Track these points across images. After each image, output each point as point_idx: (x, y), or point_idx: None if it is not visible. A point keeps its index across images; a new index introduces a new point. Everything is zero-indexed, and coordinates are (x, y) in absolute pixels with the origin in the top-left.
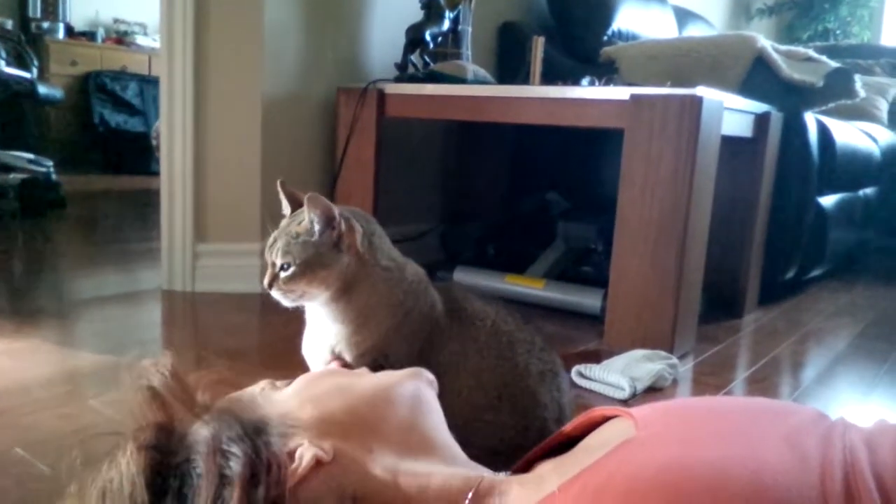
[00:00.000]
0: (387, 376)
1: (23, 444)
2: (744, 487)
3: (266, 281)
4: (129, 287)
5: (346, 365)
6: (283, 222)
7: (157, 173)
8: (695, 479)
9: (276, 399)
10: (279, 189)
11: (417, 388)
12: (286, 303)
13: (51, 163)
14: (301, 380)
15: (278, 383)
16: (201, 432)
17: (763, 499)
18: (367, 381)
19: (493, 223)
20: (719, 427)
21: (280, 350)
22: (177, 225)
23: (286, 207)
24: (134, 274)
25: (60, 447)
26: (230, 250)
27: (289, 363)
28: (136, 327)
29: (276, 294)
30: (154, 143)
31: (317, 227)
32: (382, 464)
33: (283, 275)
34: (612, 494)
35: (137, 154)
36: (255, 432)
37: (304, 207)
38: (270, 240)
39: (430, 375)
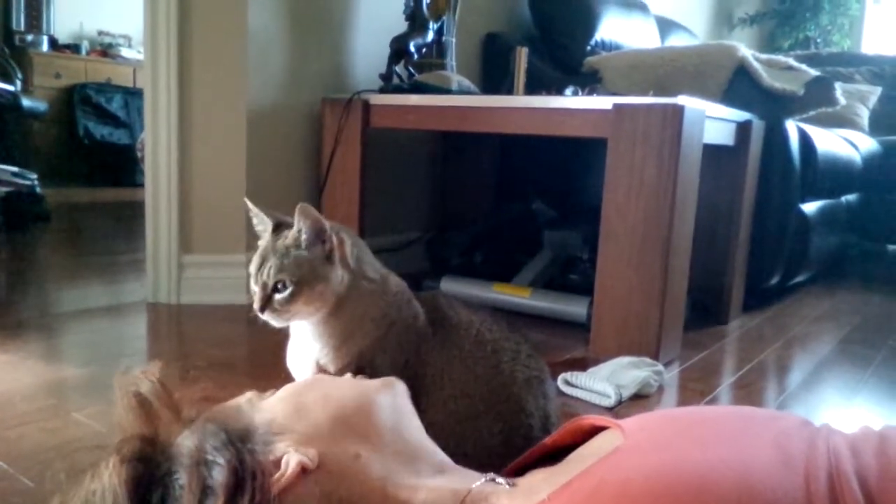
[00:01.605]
0: (367, 384)
1: (6, 458)
2: (731, 489)
3: (258, 305)
4: (115, 299)
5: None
6: (265, 242)
7: (142, 185)
8: (683, 483)
9: (261, 407)
10: (250, 207)
11: (394, 396)
12: (277, 324)
13: (35, 176)
14: (287, 388)
15: (265, 395)
16: (185, 443)
17: (750, 500)
18: (351, 387)
19: (480, 232)
20: (706, 433)
21: (267, 361)
22: (162, 237)
23: (259, 225)
24: (119, 286)
25: (44, 461)
26: (216, 261)
27: (275, 374)
28: (122, 340)
29: (268, 317)
30: (139, 154)
31: (304, 238)
32: (370, 470)
33: (278, 296)
34: (602, 500)
35: (122, 166)
36: (239, 440)
37: (295, 217)
38: (256, 261)
39: (402, 386)
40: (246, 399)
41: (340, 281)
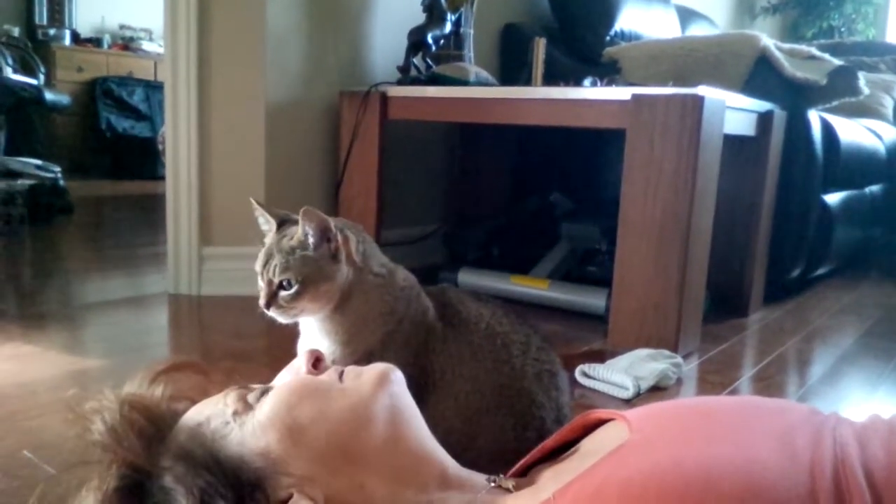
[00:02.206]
0: (358, 391)
1: (30, 446)
2: (735, 486)
3: (263, 301)
4: (136, 291)
5: (317, 363)
6: (270, 239)
7: (163, 178)
8: (687, 481)
9: (252, 430)
10: (254, 206)
11: (391, 396)
12: (283, 320)
13: (58, 168)
14: (277, 397)
15: (250, 396)
16: (175, 487)
17: (754, 496)
18: (343, 400)
19: (498, 224)
20: (711, 428)
21: (286, 352)
22: (182, 229)
23: (265, 224)
24: (140, 278)
25: (66, 450)
26: (235, 254)
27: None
28: (143, 331)
29: (273, 313)
30: (160, 147)
31: (311, 241)
32: (376, 498)
33: (283, 293)
34: (606, 499)
35: (144, 159)
36: (237, 483)
37: (299, 221)
38: (262, 258)
39: (398, 374)
40: (229, 402)
41: (345, 278)
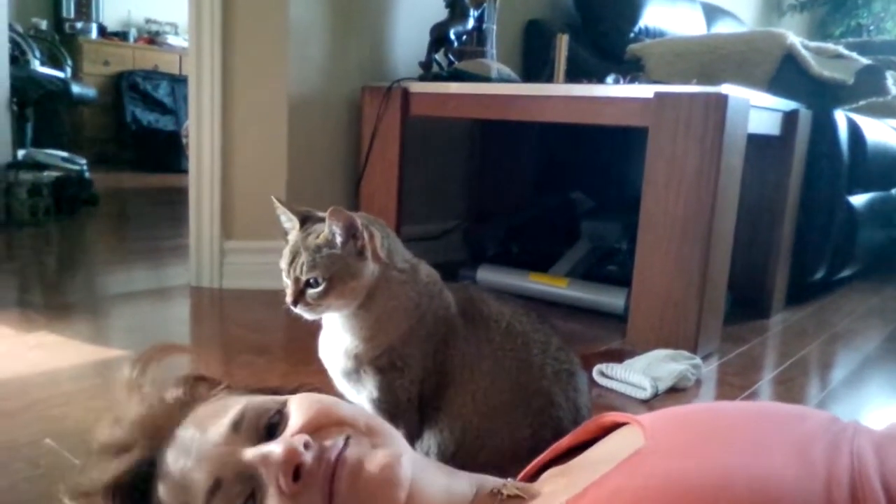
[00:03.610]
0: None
1: (52, 434)
2: (748, 497)
3: (290, 298)
4: (159, 283)
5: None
6: (295, 236)
7: (187, 171)
8: (700, 491)
9: None
10: (276, 205)
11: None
12: (309, 317)
13: (84, 161)
14: None
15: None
16: None
17: None
18: None
19: (517, 221)
20: (726, 436)
21: (304, 347)
22: (205, 222)
23: (287, 222)
24: (163, 270)
25: (88, 439)
26: (257, 247)
27: (313, 359)
28: (166, 323)
29: (300, 310)
30: (184, 141)
31: (338, 239)
32: None
33: (311, 291)
34: None
35: (168, 152)
36: None
37: (326, 220)
38: (287, 256)
39: (404, 463)
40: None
41: (371, 274)
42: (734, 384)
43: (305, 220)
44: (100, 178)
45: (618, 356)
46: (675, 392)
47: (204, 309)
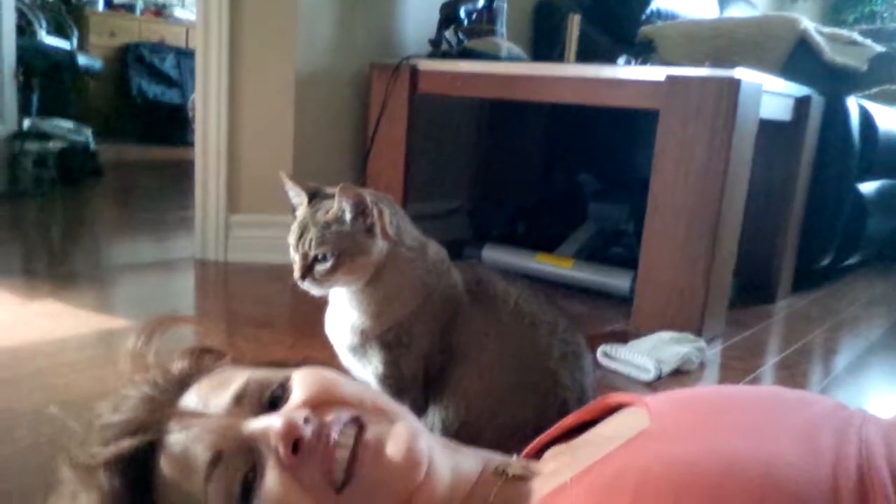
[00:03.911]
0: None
1: (58, 403)
2: (754, 481)
3: (298, 273)
4: (163, 255)
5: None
6: (303, 212)
7: (192, 144)
8: (705, 474)
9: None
10: (284, 180)
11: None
12: (316, 292)
13: (89, 132)
14: None
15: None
16: None
17: (774, 493)
18: None
19: (524, 202)
20: (732, 419)
21: (310, 320)
22: (210, 196)
23: (296, 197)
24: (168, 243)
25: (94, 408)
26: (262, 221)
27: (317, 333)
28: (170, 295)
29: (308, 285)
30: (190, 114)
31: (348, 216)
32: None
33: (319, 267)
34: (623, 488)
35: (173, 125)
36: None
37: (336, 197)
38: (296, 231)
39: (421, 445)
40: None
41: (380, 252)
42: (738, 368)
43: (314, 196)
44: (105, 150)
45: (622, 338)
46: (679, 375)
47: (208, 282)
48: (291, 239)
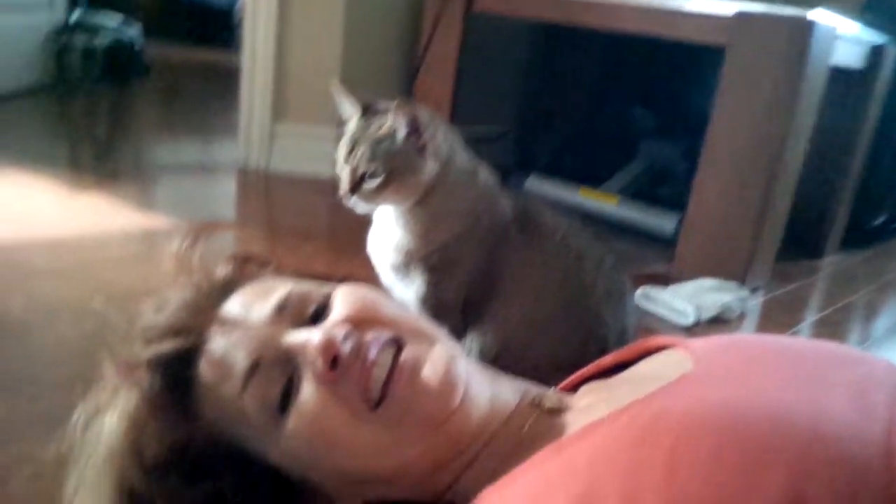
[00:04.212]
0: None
1: (101, 296)
2: (800, 436)
3: (346, 188)
4: (206, 159)
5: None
6: (355, 125)
7: (238, 48)
8: (750, 423)
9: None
10: (338, 90)
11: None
12: (362, 209)
13: (137, 29)
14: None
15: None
16: None
17: (820, 450)
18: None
19: (573, 132)
20: (781, 371)
21: (350, 236)
22: (256, 102)
23: (349, 108)
24: (211, 146)
25: (136, 304)
26: (306, 132)
27: (358, 250)
28: (212, 199)
29: (355, 201)
30: (237, 19)
31: (401, 134)
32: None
33: (368, 183)
34: (663, 429)
35: (219, 28)
36: None
37: (391, 113)
38: (346, 145)
39: (459, 365)
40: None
41: (430, 172)
42: (778, 321)
43: (367, 110)
44: (151, 49)
45: (662, 281)
46: (718, 323)
47: (250, 189)
48: (341, 152)
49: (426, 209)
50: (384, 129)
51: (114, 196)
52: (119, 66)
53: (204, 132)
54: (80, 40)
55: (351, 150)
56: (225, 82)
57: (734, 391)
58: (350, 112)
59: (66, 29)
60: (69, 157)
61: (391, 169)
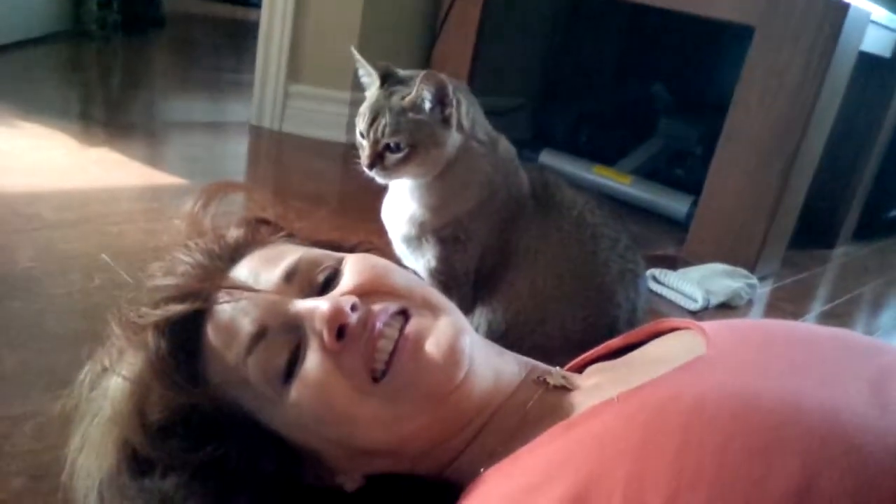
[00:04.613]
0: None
1: (109, 251)
2: (816, 427)
3: (367, 161)
4: (218, 117)
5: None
6: (376, 94)
7: (255, 5)
8: (765, 411)
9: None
10: (356, 57)
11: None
12: (382, 181)
13: None
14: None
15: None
16: None
17: (836, 442)
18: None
19: (591, 108)
20: (798, 358)
21: (360, 202)
22: (272, 61)
23: (366, 76)
24: (224, 104)
25: (143, 260)
26: (321, 95)
27: (365, 217)
28: (223, 157)
29: (375, 173)
30: None
31: (428, 105)
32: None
33: (391, 156)
34: (675, 412)
35: None
36: None
37: (417, 83)
38: (367, 115)
39: (465, 339)
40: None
41: (454, 144)
42: (785, 310)
43: (386, 78)
44: (168, 1)
45: (671, 263)
46: (726, 309)
47: (262, 149)
48: (361, 123)
49: (443, 182)
50: (408, 100)
51: (124, 151)
52: (136, 16)
53: (216, 88)
54: None
55: (373, 122)
56: (241, 39)
57: (749, 377)
58: (368, 80)
59: None
60: (81, 108)
61: (415, 142)
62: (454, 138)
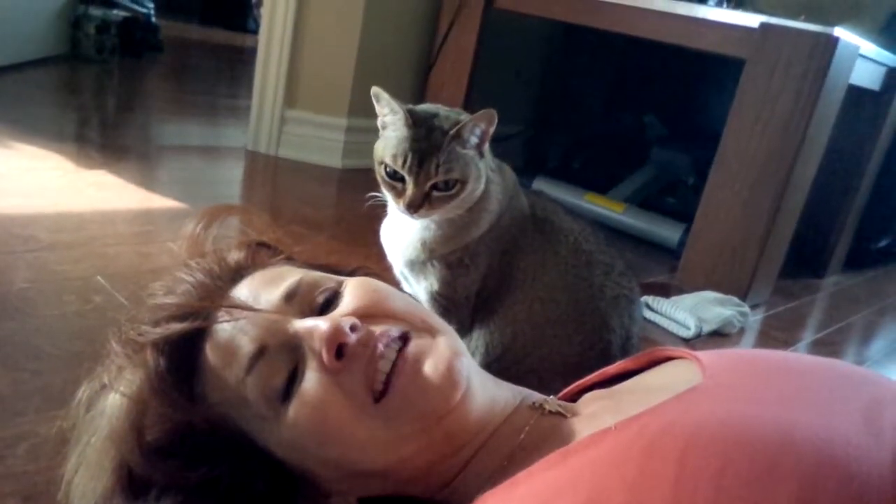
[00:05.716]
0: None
1: (104, 273)
2: (810, 457)
3: (414, 202)
4: (214, 141)
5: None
6: (408, 132)
7: (252, 31)
8: (760, 441)
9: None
10: (380, 95)
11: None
12: (418, 219)
13: (152, 5)
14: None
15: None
16: None
17: (830, 472)
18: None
19: (584, 136)
20: (792, 388)
21: (354, 227)
22: (269, 87)
23: (391, 114)
24: (220, 129)
25: (138, 283)
26: (317, 121)
27: (366, 242)
28: (218, 182)
29: (419, 214)
30: (254, 1)
31: (475, 140)
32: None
33: (439, 194)
34: (672, 441)
35: (234, 9)
36: None
37: (472, 121)
38: (409, 155)
39: (463, 361)
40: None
41: (485, 177)
42: (777, 339)
43: (412, 116)
44: (166, 26)
45: (664, 291)
46: (718, 337)
47: (258, 174)
48: (399, 162)
49: (467, 212)
50: (457, 139)
51: (120, 173)
52: (134, 41)
53: (213, 113)
54: (96, 12)
55: (421, 162)
56: (238, 64)
57: (745, 406)
58: (392, 118)
59: (83, 1)
60: (78, 131)
61: (465, 177)
62: (482, 168)
